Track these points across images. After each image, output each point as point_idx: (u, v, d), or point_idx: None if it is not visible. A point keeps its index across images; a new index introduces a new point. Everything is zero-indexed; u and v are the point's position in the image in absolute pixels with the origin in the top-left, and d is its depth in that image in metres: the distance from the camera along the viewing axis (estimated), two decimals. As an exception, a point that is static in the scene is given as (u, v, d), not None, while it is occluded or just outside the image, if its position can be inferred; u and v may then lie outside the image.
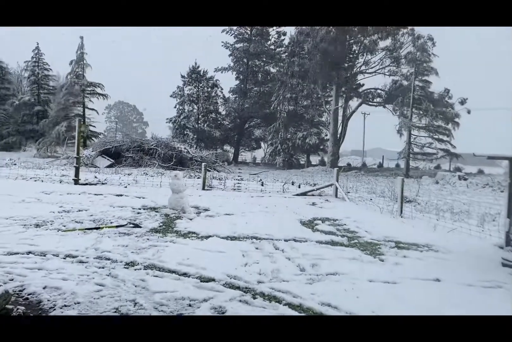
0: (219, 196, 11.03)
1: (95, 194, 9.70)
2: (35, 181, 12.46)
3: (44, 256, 4.26)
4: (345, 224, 7.25)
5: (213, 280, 3.77)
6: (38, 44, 37.73)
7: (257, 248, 5.09)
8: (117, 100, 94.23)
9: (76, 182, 12.25)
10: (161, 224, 6.39)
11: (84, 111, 33.96)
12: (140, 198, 9.62)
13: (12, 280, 3.48)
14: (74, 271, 3.77)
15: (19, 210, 6.89)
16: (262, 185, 14.34)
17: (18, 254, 4.28)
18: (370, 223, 7.37)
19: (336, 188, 13.23)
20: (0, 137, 35.39)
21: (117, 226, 5.94)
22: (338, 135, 33.80)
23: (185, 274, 3.91)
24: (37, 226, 5.78)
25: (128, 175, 16.24)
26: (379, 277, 4.08)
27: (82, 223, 6.15)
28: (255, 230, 6.16)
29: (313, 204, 10.83)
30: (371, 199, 11.73)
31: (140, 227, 6.01)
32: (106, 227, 5.82)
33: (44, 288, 3.33)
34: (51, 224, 5.92)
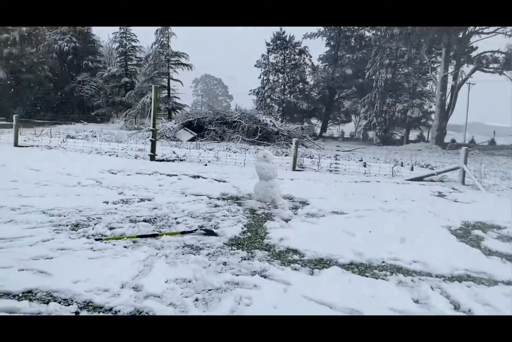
0: (314, 181, 8.81)
1: (168, 175, 8.05)
2: (110, 155, 11.32)
3: (47, 303, 2.43)
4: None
5: None
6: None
7: (416, 301, 2.80)
8: (203, 74, 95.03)
9: (152, 157, 10.87)
10: (245, 229, 4.38)
11: (169, 82, 33.38)
12: (219, 181, 7.77)
13: None
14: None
15: (66, 198, 5.34)
16: (365, 166, 11.78)
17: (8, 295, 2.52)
18: None
19: (464, 172, 10.29)
20: (91, 109, 36.52)
21: (182, 233, 4.03)
22: (446, 107, 29.02)
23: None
24: (75, 227, 4.08)
25: (210, 150, 14.66)
26: None
27: (137, 222, 4.38)
28: (389, 248, 3.87)
29: (440, 194, 8.19)
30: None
31: (216, 235, 4.04)
32: (166, 234, 3.94)
33: None
34: (95, 224, 4.21)
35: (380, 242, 4.08)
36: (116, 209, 4.96)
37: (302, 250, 3.69)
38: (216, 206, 5.51)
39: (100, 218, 4.48)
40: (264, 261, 3.37)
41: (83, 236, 3.81)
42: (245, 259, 3.41)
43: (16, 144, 11.64)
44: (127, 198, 5.61)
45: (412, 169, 11.74)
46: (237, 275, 3.02)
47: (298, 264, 3.36)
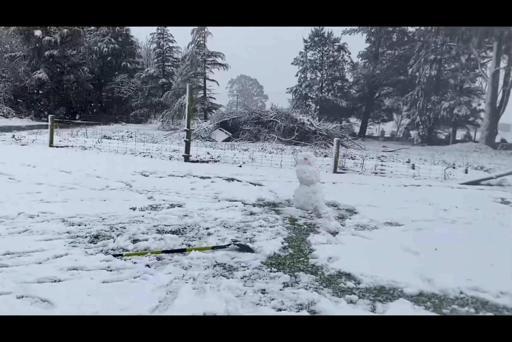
0: (359, 185, 8.07)
1: (201, 177, 7.57)
2: (144, 156, 11.01)
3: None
4: None
5: None
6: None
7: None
8: (239, 74, 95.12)
9: (186, 158, 10.46)
10: (285, 244, 3.77)
11: (205, 82, 33.23)
12: (255, 185, 7.19)
13: None
14: None
15: (90, 203, 4.93)
16: (413, 168, 10.85)
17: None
18: None
19: (528, 176, 9.23)
20: (129, 110, 37.00)
21: (213, 248, 3.47)
22: (497, 105, 27.03)
23: None
24: (94, 239, 3.62)
25: (245, 150, 14.14)
26: None
27: (164, 233, 3.87)
28: (465, 272, 3.14)
29: (503, 200, 7.26)
30: None
31: (252, 251, 3.46)
32: (195, 250, 3.39)
33: None
34: (118, 235, 3.74)
35: (451, 264, 3.35)
36: (143, 216, 4.48)
37: (357, 274, 3.03)
38: (251, 213, 4.93)
39: (124, 228, 4.01)
40: (311, 289, 2.75)
41: (102, 250, 3.33)
42: (288, 285, 2.80)
43: (51, 145, 11.58)
44: (156, 204, 5.14)
45: (466, 172, 10.70)
46: (279, 310, 2.42)
47: (355, 294, 2.71)
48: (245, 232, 4.11)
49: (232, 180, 7.53)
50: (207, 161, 10.62)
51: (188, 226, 4.21)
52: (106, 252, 3.30)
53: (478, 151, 21.63)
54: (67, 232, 3.74)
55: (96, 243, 3.50)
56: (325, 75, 34.35)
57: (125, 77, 37.89)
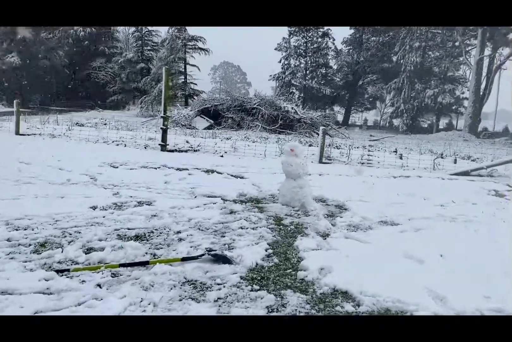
0: (347, 176, 7.59)
1: (177, 169, 6.95)
2: (117, 145, 10.29)
3: None
4: None
5: None
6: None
7: None
8: (222, 61, 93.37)
9: (163, 147, 9.78)
10: (269, 251, 3.22)
11: (185, 67, 32.15)
12: (237, 177, 6.62)
13: None
14: None
15: (45, 201, 4.28)
16: (401, 158, 10.43)
17: None
18: None
19: (519, 167, 8.93)
20: (107, 96, 35.60)
21: (183, 259, 2.89)
22: (481, 93, 26.88)
23: None
24: (39, 248, 3.00)
25: (227, 139, 13.50)
26: None
27: (126, 239, 3.28)
28: (480, 286, 2.66)
29: (497, 193, 6.94)
30: None
31: (230, 262, 2.89)
32: (161, 262, 2.81)
33: None
34: (70, 242, 3.13)
35: (461, 275, 2.86)
36: (104, 217, 3.87)
37: (355, 292, 2.51)
38: (231, 212, 4.36)
39: (79, 232, 3.40)
40: (301, 314, 2.21)
41: (45, 264, 2.73)
42: (272, 310, 2.26)
43: (17, 133, 10.72)
44: (121, 201, 4.52)
45: (455, 162, 10.33)
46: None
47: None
48: (224, 236, 3.54)
49: (212, 171, 6.93)
50: (185, 151, 9.97)
51: (155, 230, 3.62)
52: (50, 266, 2.69)
53: (463, 140, 21.47)
54: (8, 239, 3.11)
55: (40, 253, 2.88)
56: (309, 62, 33.60)
57: (103, 62, 36.39)
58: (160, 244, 3.27)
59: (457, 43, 28.46)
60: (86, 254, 2.93)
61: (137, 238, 3.38)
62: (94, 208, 4.18)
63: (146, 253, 3.04)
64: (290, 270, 2.85)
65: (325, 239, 3.60)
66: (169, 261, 2.85)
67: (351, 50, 36.28)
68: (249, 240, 3.44)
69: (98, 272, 2.64)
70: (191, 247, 3.22)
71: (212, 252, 2.93)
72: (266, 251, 3.20)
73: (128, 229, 3.59)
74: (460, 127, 30.22)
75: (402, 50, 29.05)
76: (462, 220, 4.53)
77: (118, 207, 4.30)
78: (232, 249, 3.22)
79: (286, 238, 3.60)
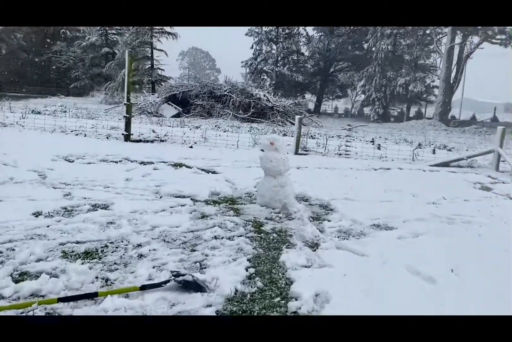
0: (327, 169, 7.11)
1: (141, 163, 6.24)
2: (76, 135, 9.38)
3: None
4: None
5: None
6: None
7: None
8: (190, 46, 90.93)
9: (127, 137, 8.99)
10: (250, 270, 2.65)
11: (152, 52, 30.74)
12: (208, 172, 6.00)
13: None
14: None
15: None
16: (379, 149, 10.07)
17: None
18: None
19: (499, 157, 8.75)
20: (69, 81, 33.66)
21: (142, 288, 2.27)
22: (452, 81, 27.06)
23: None
24: (-48, 276, 2.30)
25: (196, 128, 12.75)
26: None
27: (71, 258, 2.63)
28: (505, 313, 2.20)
29: (482, 185, 6.69)
30: None
31: (202, 290, 2.30)
32: (112, 293, 2.18)
33: None
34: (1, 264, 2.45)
35: (481, 297, 2.39)
36: (48, 227, 3.19)
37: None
38: (203, 216, 3.75)
39: (13, 249, 2.71)
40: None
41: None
42: (261, 365, 1.69)
43: (-39, 121, 9.60)
44: (73, 205, 3.82)
45: (434, 152, 10.08)
46: None
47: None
48: (194, 250, 2.94)
49: (180, 165, 6.27)
50: (151, 141, 9.20)
51: (111, 243, 2.97)
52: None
53: (433, 129, 21.55)
54: None
55: (-47, 286, 2.19)
56: (280, 48, 32.87)
57: (64, 45, 34.29)
58: (115, 263, 2.64)
59: (428, 31, 28.46)
60: (16, 282, 2.26)
61: (86, 255, 2.73)
62: (37, 214, 3.47)
63: (96, 278, 2.41)
64: (279, 298, 2.29)
65: (315, 250, 3.06)
66: (124, 290, 2.23)
67: (322, 37, 35.78)
68: (226, 255, 2.85)
69: (29, 311, 1.99)
70: (153, 267, 2.60)
71: (180, 278, 2.32)
72: (246, 270, 2.62)
73: (77, 242, 2.93)
74: (429, 116, 30.50)
75: (374, 37, 28.80)
76: (460, 221, 4.11)
77: (67, 212, 3.60)
78: (205, 268, 2.64)
79: (269, 250, 3.04)
